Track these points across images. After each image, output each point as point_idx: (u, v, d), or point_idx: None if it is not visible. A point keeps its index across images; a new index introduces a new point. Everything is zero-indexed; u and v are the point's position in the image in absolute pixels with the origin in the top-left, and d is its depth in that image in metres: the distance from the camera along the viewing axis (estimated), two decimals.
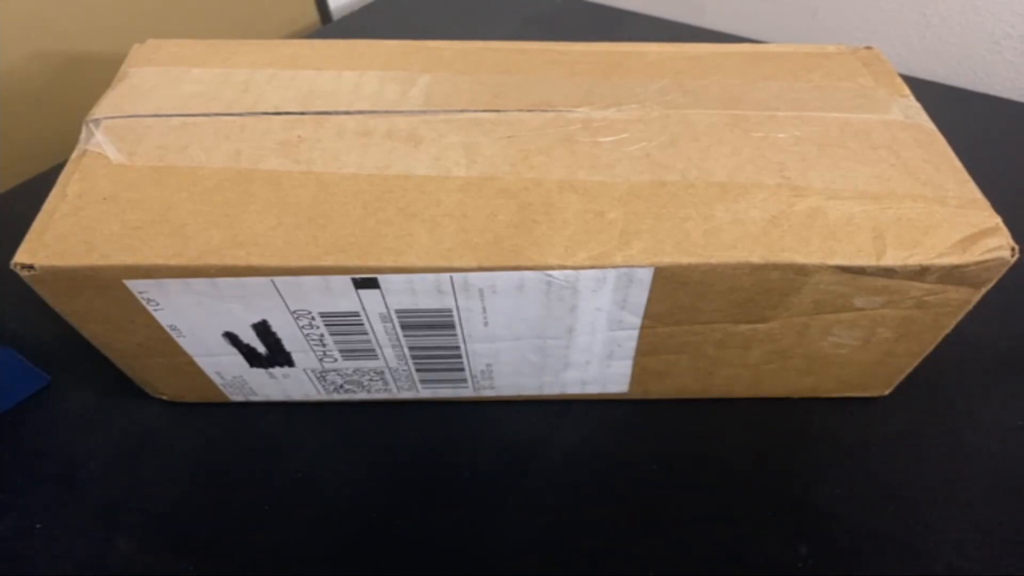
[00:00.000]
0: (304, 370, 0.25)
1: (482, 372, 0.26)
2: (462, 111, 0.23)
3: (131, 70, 0.26)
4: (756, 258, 0.20)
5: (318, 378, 0.26)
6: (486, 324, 0.23)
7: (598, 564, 0.23)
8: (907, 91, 0.25)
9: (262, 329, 0.23)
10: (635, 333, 0.23)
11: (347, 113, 0.23)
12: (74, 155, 0.23)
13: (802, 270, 0.20)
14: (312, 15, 0.55)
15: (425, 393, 0.27)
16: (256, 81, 0.25)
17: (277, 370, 0.25)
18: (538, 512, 0.24)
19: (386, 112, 0.23)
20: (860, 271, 0.20)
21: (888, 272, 0.20)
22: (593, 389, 0.27)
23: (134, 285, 0.20)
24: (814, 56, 0.27)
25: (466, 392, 0.27)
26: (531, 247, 0.20)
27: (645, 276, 0.20)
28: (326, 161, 0.22)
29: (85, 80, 0.41)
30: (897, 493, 0.25)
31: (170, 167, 0.22)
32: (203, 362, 0.25)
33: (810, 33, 0.49)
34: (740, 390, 0.27)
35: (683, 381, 0.26)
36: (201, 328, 0.23)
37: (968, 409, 0.27)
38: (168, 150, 0.22)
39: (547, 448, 0.26)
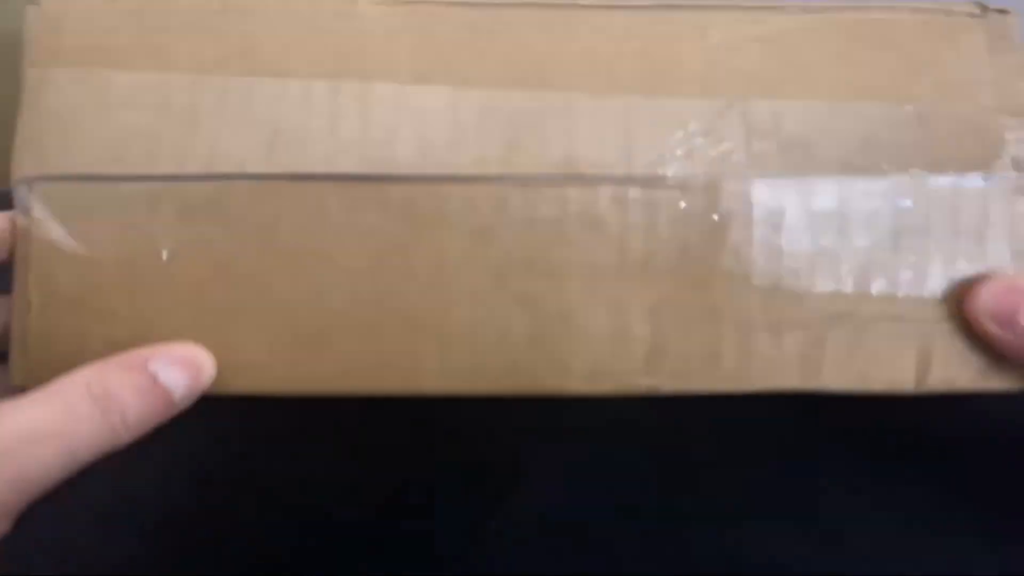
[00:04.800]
0: None
1: None
2: (468, 178, 0.19)
3: (37, 73, 0.20)
4: (789, 386, 0.19)
5: None
6: None
7: (597, 563, 0.26)
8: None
9: None
10: None
11: (327, 178, 0.19)
12: (19, 231, 0.19)
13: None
14: None
15: None
16: (204, 106, 0.20)
17: None
18: (535, 511, 0.26)
19: (375, 179, 0.19)
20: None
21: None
22: None
23: None
24: (932, 35, 0.20)
25: None
26: (549, 372, 0.19)
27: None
28: (313, 251, 0.19)
29: None
30: (899, 491, 0.26)
31: (136, 262, 0.19)
32: None
33: None
34: None
35: None
36: None
37: (971, 405, 0.28)
38: (128, 237, 0.19)
39: (548, 445, 0.27)
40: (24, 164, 0.19)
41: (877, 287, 0.19)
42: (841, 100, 0.20)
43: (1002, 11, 0.21)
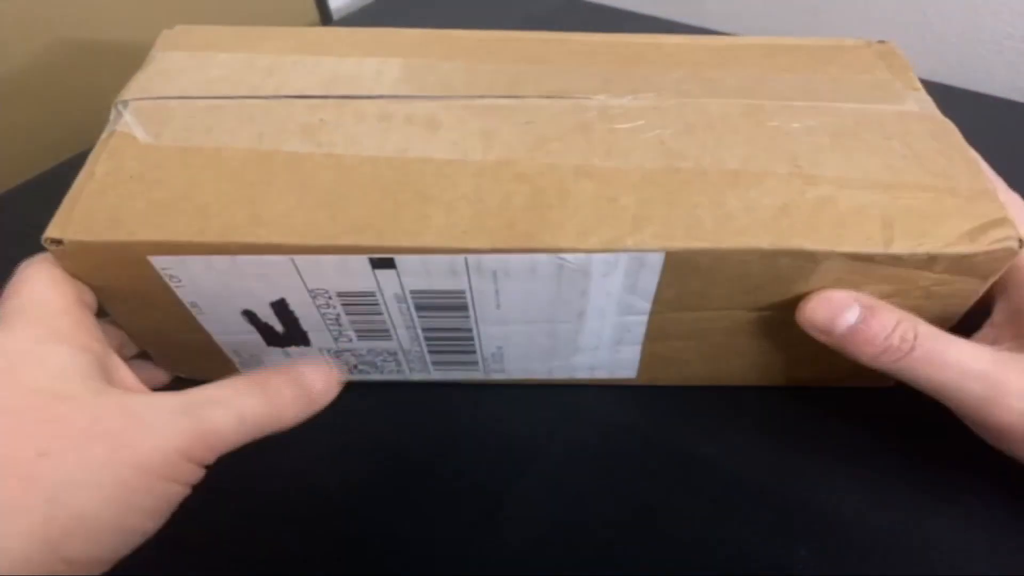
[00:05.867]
0: (319, 350, 0.26)
1: (493, 355, 0.26)
2: (481, 97, 0.24)
3: (159, 54, 0.26)
4: (766, 244, 0.20)
5: (333, 357, 0.26)
6: (498, 307, 0.23)
7: (596, 563, 0.23)
8: (919, 85, 0.25)
9: (280, 307, 0.23)
10: (644, 318, 0.24)
11: (368, 98, 0.24)
12: (103, 136, 0.23)
13: (811, 257, 0.20)
14: (312, 15, 0.56)
15: (437, 375, 0.28)
16: (280, 66, 0.26)
17: (293, 349, 0.26)
18: (536, 512, 0.25)
19: (407, 97, 0.24)
20: (869, 259, 0.20)
21: (896, 260, 0.20)
22: (602, 374, 0.27)
23: (158, 261, 0.21)
24: (831, 49, 0.27)
25: (477, 375, 0.27)
26: (544, 231, 0.21)
27: (655, 261, 0.21)
28: (346, 144, 0.23)
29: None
30: (900, 491, 0.25)
31: (195, 148, 0.23)
32: (222, 340, 0.25)
33: (811, 33, 0.50)
34: (747, 378, 0.27)
35: (691, 368, 0.27)
36: (221, 305, 0.23)
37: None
38: (193, 131, 0.23)
39: (548, 447, 0.27)
40: (127, 93, 0.24)
41: (830, 170, 0.22)
42: (771, 73, 0.26)
43: (882, 41, 0.28)
